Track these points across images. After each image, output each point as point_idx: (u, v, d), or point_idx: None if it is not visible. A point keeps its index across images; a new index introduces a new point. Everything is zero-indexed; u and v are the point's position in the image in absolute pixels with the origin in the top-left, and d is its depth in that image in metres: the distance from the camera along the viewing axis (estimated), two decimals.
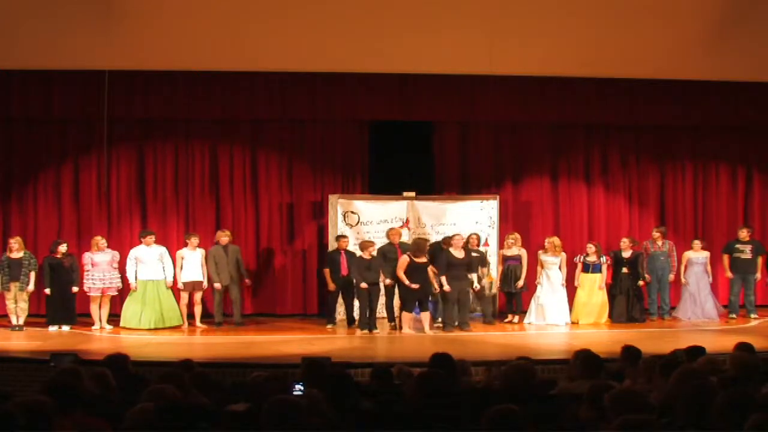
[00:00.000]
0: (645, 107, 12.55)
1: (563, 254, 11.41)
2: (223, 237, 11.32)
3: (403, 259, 10.53)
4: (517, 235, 11.66)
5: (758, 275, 11.80)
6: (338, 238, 11.23)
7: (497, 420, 3.54)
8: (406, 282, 10.37)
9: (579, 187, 12.93)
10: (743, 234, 11.83)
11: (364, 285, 10.56)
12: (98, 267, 10.88)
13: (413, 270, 10.42)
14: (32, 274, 10.74)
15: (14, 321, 10.62)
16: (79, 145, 12.10)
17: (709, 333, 10.45)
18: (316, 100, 12.25)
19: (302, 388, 4.75)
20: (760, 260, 11.79)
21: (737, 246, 11.78)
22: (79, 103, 11.75)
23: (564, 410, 4.44)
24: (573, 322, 11.26)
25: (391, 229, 11.34)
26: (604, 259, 11.43)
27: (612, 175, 12.97)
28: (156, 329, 10.73)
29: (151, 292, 10.93)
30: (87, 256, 10.96)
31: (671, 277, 11.73)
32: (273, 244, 12.41)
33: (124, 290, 11.15)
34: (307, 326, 11.25)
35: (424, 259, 10.57)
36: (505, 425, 3.51)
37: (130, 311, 10.95)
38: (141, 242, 11.15)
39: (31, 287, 10.73)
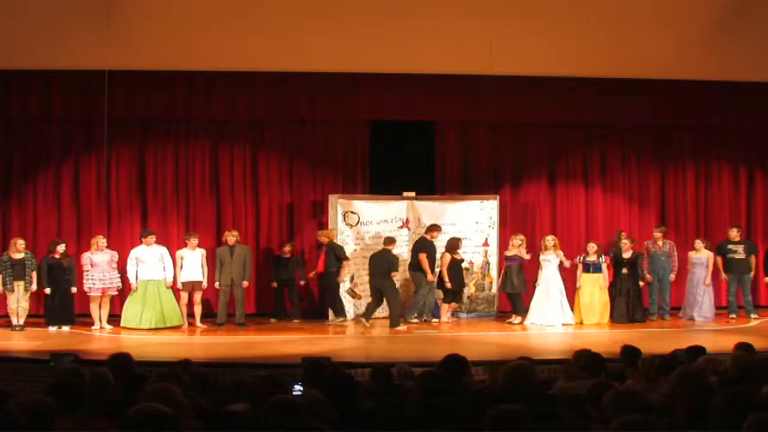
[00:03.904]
0: (645, 107, 12.54)
1: (560, 252, 11.39)
2: (230, 237, 11.33)
3: (446, 258, 11.29)
4: (523, 237, 11.58)
5: (751, 275, 11.79)
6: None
7: (501, 420, 3.54)
8: (446, 278, 11.27)
9: (579, 187, 12.93)
10: (734, 234, 11.76)
11: (274, 284, 11.51)
12: (98, 267, 10.88)
13: (454, 267, 11.29)
14: (34, 274, 10.76)
15: (14, 321, 10.62)
16: (79, 145, 12.10)
17: (709, 333, 10.45)
18: (316, 100, 12.25)
19: (301, 388, 4.75)
20: (753, 259, 11.78)
21: (730, 246, 11.72)
22: (79, 103, 11.75)
23: (564, 410, 4.44)
24: (576, 323, 11.23)
25: (323, 231, 11.60)
26: (603, 258, 11.41)
27: (613, 175, 12.97)
28: (156, 329, 10.72)
29: (151, 292, 10.92)
30: (86, 257, 10.95)
31: (672, 277, 11.71)
32: (273, 244, 12.41)
33: (125, 290, 11.15)
34: (307, 326, 11.25)
35: (459, 257, 11.41)
36: (509, 425, 3.51)
37: (130, 311, 10.94)
38: (141, 242, 11.14)
39: (33, 287, 10.75)
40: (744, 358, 5.20)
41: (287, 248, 11.75)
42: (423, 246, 11.38)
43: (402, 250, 11.78)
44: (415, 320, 11.40)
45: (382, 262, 11.07)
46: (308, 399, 4.22)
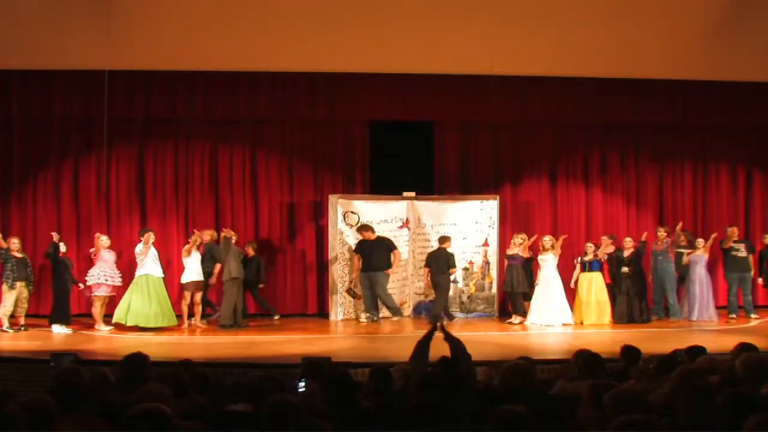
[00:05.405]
0: (645, 107, 12.56)
1: (559, 251, 11.38)
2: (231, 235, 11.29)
3: None
4: (525, 236, 11.57)
5: (752, 273, 11.79)
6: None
7: (505, 421, 3.53)
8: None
9: (579, 187, 12.94)
10: (735, 233, 11.79)
11: (213, 280, 11.25)
12: (107, 264, 10.85)
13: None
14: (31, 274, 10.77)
15: (5, 324, 10.51)
16: (79, 145, 12.10)
17: (709, 333, 10.44)
18: (317, 100, 12.26)
19: (305, 385, 4.76)
20: (751, 259, 11.79)
21: (732, 245, 11.74)
22: (79, 103, 11.76)
23: (564, 410, 4.43)
24: (575, 323, 11.21)
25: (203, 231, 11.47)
26: (599, 251, 11.37)
27: (612, 176, 12.97)
28: (155, 329, 10.68)
29: (152, 289, 10.87)
30: (99, 252, 10.90)
31: (675, 273, 11.65)
32: (273, 244, 12.41)
33: (124, 289, 11.13)
34: (307, 326, 11.25)
35: None
36: (512, 426, 3.50)
37: (126, 304, 10.80)
38: (141, 240, 11.07)
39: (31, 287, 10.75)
40: (754, 359, 5.18)
41: (250, 248, 11.67)
42: (359, 247, 11.53)
43: (401, 250, 11.78)
44: (366, 320, 11.44)
45: (439, 260, 11.32)
46: (311, 395, 4.23)
